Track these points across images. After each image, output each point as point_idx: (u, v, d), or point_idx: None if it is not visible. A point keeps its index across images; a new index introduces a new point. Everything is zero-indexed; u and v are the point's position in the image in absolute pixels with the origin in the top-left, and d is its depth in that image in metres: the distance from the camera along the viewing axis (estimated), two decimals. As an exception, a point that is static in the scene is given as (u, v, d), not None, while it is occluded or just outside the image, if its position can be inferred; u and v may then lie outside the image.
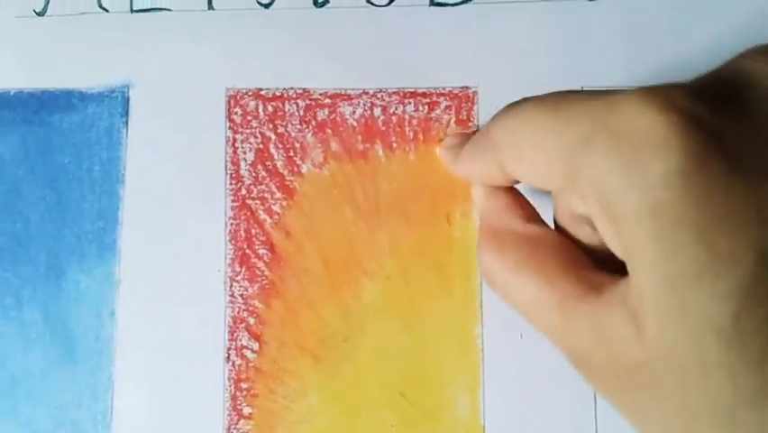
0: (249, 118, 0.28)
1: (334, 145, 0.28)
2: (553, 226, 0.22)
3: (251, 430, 0.27)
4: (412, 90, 0.28)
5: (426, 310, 0.27)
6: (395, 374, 0.27)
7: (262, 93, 0.28)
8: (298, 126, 0.28)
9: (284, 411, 0.27)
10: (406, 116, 0.28)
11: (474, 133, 0.24)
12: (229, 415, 0.27)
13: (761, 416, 0.15)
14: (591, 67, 0.28)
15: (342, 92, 0.28)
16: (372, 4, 0.29)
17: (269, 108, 0.28)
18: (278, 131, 0.28)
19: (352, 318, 0.27)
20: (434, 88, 0.28)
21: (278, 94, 0.28)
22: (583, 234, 0.20)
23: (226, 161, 0.28)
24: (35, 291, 0.28)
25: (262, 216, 0.28)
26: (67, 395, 0.27)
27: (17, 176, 0.29)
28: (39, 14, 0.30)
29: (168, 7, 0.29)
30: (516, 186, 0.23)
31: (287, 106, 0.28)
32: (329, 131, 0.28)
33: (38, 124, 0.29)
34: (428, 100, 0.28)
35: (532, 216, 0.22)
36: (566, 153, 0.18)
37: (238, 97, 0.28)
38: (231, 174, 0.28)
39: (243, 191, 0.28)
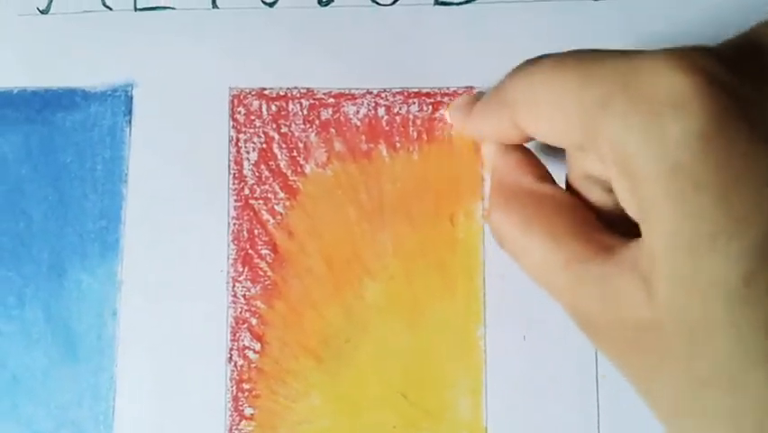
0: (252, 118, 0.28)
1: (338, 145, 0.28)
2: (564, 187, 0.22)
3: (252, 431, 0.27)
4: (416, 90, 0.28)
5: (429, 311, 0.27)
6: (397, 375, 0.27)
7: (266, 92, 0.28)
8: (302, 126, 0.28)
9: (286, 412, 0.27)
10: (411, 116, 0.28)
11: (482, 93, 0.24)
12: (231, 415, 0.27)
13: (766, 377, 0.15)
14: (596, 67, 0.28)
15: (346, 92, 0.28)
16: (377, 3, 0.29)
17: (273, 108, 0.28)
18: (282, 130, 0.28)
19: (355, 319, 0.27)
20: (439, 88, 0.28)
21: (281, 93, 0.28)
22: (595, 195, 0.20)
23: (229, 160, 0.28)
24: (37, 290, 0.28)
25: (265, 216, 0.28)
26: (68, 395, 0.27)
27: (20, 175, 0.29)
28: (42, 12, 0.30)
29: (171, 6, 0.29)
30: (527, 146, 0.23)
31: (290, 106, 0.28)
32: (333, 130, 0.28)
33: (41, 122, 0.29)
34: (432, 100, 0.28)
35: (543, 175, 0.22)
36: (585, 112, 0.18)
37: (241, 97, 0.28)
38: (234, 174, 0.28)
39: (246, 191, 0.28)
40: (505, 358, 0.26)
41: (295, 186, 0.28)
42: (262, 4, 0.29)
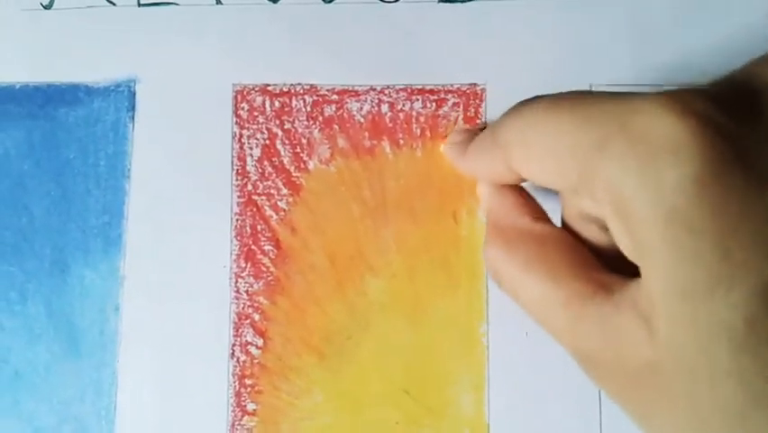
0: (255, 114, 0.28)
1: (341, 142, 0.28)
2: (560, 226, 0.22)
3: (255, 427, 0.27)
4: (420, 87, 0.28)
5: (432, 308, 0.27)
6: (400, 372, 0.27)
7: (269, 88, 0.28)
8: (305, 122, 0.28)
9: (288, 408, 0.27)
10: (414, 113, 0.28)
11: (479, 130, 0.24)
12: (233, 411, 0.27)
13: None
14: (599, 63, 0.28)
15: (350, 88, 0.28)
16: (381, 0, 0.29)
17: (276, 104, 0.28)
18: (285, 127, 0.28)
19: (358, 315, 0.27)
20: (442, 85, 0.28)
21: (285, 89, 0.28)
22: (592, 234, 0.20)
23: (233, 156, 0.28)
24: (40, 286, 0.28)
25: (268, 212, 0.28)
26: (70, 390, 0.27)
27: (22, 170, 0.29)
28: (45, 8, 0.30)
29: (175, 2, 0.29)
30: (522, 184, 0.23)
31: (294, 102, 0.28)
32: (336, 127, 0.28)
33: (43, 118, 0.29)
34: (436, 97, 0.28)
35: (539, 214, 0.22)
36: (580, 155, 0.18)
37: (245, 93, 0.28)
38: (237, 170, 0.28)
39: (249, 187, 0.28)
40: (507, 355, 0.26)
41: (298, 182, 0.28)
42: (266, 1, 0.29)
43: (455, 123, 0.28)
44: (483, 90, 0.28)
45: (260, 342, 0.27)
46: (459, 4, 0.28)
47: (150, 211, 0.28)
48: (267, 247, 0.28)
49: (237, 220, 0.28)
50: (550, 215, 0.22)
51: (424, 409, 0.26)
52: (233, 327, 0.27)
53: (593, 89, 0.27)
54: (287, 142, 0.28)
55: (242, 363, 0.27)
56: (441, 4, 0.28)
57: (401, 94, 0.28)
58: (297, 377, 0.27)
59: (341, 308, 0.27)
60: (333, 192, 0.28)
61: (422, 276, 0.27)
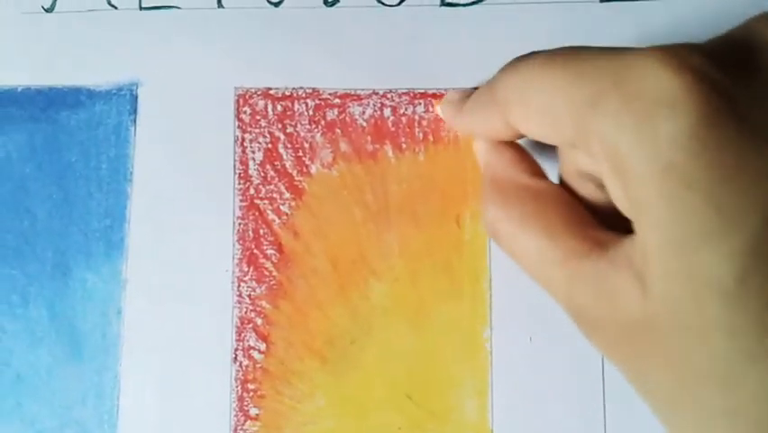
0: (258, 117, 0.28)
1: (344, 146, 0.28)
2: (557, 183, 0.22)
3: (257, 431, 0.27)
4: (422, 91, 0.28)
5: (435, 312, 0.27)
6: (402, 376, 0.27)
7: (271, 92, 0.28)
8: (308, 126, 0.28)
9: (291, 413, 0.27)
10: (416, 117, 0.28)
11: (476, 88, 0.24)
12: (236, 416, 0.27)
13: (761, 374, 0.15)
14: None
15: (352, 92, 0.28)
16: (383, 3, 0.29)
17: (279, 108, 0.28)
18: (288, 130, 0.28)
19: (360, 320, 0.27)
20: (445, 89, 0.28)
21: (287, 93, 0.28)
22: (588, 191, 0.21)
23: (235, 160, 0.28)
24: (42, 289, 0.28)
25: (271, 216, 0.28)
26: (72, 394, 0.27)
27: (24, 173, 0.29)
28: (47, 11, 0.29)
29: (177, 5, 0.29)
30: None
31: (296, 106, 0.28)
32: (338, 131, 0.28)
33: (45, 121, 0.29)
34: (439, 101, 0.28)
35: (536, 170, 0.22)
36: (576, 112, 0.18)
37: (247, 97, 0.28)
38: (239, 174, 0.28)
39: (252, 191, 0.28)
40: (511, 360, 0.26)
41: (300, 186, 0.28)
42: (268, 4, 0.29)
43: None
44: (471, 88, 0.28)
45: (262, 346, 0.27)
46: (461, 8, 0.28)
47: (153, 214, 0.28)
48: (269, 251, 0.28)
49: (239, 224, 0.28)
50: (547, 174, 0.22)
51: (427, 414, 0.26)
52: (236, 331, 0.27)
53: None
54: (289, 145, 0.28)
55: (244, 368, 0.27)
56: (443, 7, 0.28)
57: (403, 98, 0.28)
58: (300, 381, 0.27)
59: (343, 312, 0.27)
60: (335, 196, 0.28)
61: (425, 280, 0.27)
